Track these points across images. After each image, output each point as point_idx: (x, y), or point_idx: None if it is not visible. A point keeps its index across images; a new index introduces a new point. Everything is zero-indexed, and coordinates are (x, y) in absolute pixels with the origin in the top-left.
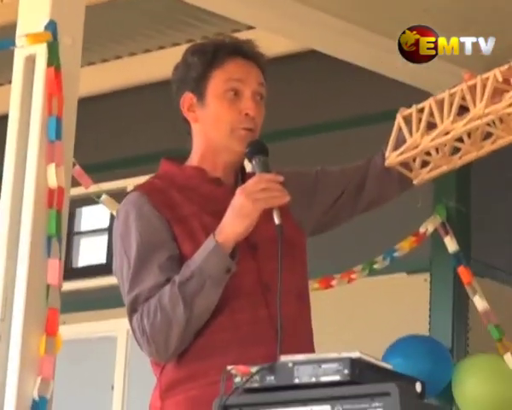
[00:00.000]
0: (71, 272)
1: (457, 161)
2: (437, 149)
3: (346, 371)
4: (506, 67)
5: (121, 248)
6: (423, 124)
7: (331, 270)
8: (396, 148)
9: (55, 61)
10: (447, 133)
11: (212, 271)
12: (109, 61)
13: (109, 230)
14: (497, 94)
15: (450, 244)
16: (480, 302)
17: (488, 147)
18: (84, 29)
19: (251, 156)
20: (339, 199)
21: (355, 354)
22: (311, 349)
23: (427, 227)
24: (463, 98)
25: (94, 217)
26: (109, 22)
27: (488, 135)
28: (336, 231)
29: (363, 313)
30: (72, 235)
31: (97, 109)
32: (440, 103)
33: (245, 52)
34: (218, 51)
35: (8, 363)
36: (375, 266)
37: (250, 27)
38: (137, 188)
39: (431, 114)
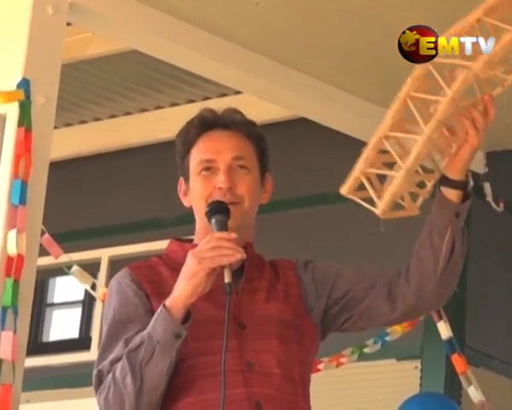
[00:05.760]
0: (40, 347)
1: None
2: None
3: None
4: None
5: (104, 326)
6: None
7: (319, 353)
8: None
9: (25, 121)
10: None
11: (160, 336)
12: (88, 123)
13: (84, 302)
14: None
15: (444, 330)
16: (475, 394)
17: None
18: (62, 89)
19: (209, 216)
20: (349, 292)
21: None
22: None
23: None
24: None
25: (68, 288)
26: (89, 82)
27: None
28: None
29: (349, 401)
30: (43, 306)
31: (72, 173)
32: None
33: (216, 124)
34: (190, 129)
35: None
36: (366, 350)
37: (238, 92)
38: (128, 264)
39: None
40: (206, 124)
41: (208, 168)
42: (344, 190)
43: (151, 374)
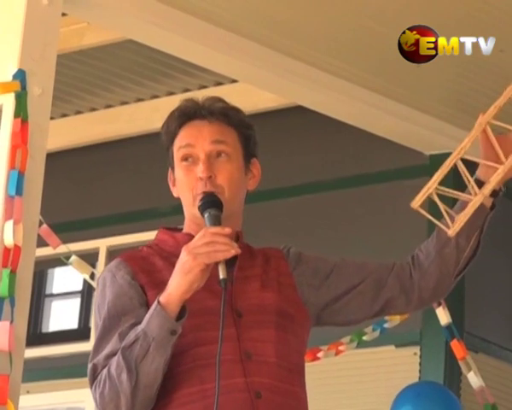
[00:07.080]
0: (39, 338)
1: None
2: None
3: None
4: None
5: (97, 319)
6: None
7: (318, 341)
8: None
9: (22, 112)
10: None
11: (155, 333)
12: (84, 113)
13: (83, 293)
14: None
15: (443, 316)
16: (474, 380)
17: None
18: (57, 79)
19: (202, 210)
20: (354, 288)
21: None
22: None
23: None
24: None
25: (67, 279)
26: (85, 72)
27: None
28: None
29: (349, 388)
30: (42, 297)
31: (69, 164)
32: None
33: (193, 114)
34: (171, 121)
35: None
36: (365, 338)
37: (234, 80)
38: (119, 255)
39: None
40: (186, 115)
41: (187, 158)
42: (414, 203)
43: (146, 371)
